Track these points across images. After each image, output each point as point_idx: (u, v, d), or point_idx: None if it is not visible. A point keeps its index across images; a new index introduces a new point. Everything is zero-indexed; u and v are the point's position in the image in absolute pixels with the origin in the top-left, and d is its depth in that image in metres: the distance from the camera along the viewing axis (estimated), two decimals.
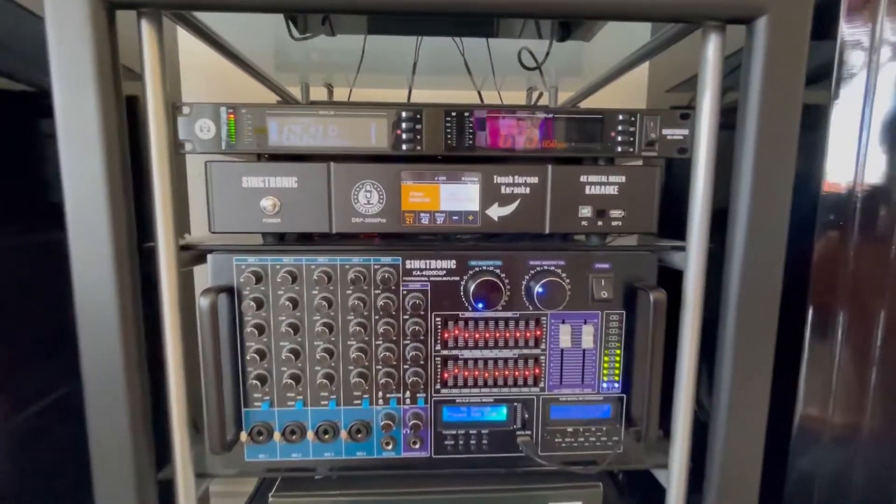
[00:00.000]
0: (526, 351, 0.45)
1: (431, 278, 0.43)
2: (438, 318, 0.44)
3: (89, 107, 0.36)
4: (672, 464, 0.44)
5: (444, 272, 0.43)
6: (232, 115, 0.41)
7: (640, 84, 0.84)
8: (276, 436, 0.44)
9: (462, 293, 0.44)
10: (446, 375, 0.45)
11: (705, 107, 0.39)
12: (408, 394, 0.45)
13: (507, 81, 0.80)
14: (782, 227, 0.39)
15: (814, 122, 0.41)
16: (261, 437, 0.44)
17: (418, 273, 0.43)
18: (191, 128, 0.41)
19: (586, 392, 0.46)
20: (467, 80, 0.72)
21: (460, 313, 0.44)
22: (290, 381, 0.43)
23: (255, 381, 0.43)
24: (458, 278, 0.44)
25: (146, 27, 0.38)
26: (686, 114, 0.42)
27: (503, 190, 0.42)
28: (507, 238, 0.46)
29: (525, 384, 0.45)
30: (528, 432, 0.46)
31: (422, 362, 0.44)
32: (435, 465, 0.46)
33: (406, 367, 0.45)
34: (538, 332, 0.45)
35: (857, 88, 0.41)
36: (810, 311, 0.44)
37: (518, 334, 0.45)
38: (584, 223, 0.43)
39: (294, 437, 0.44)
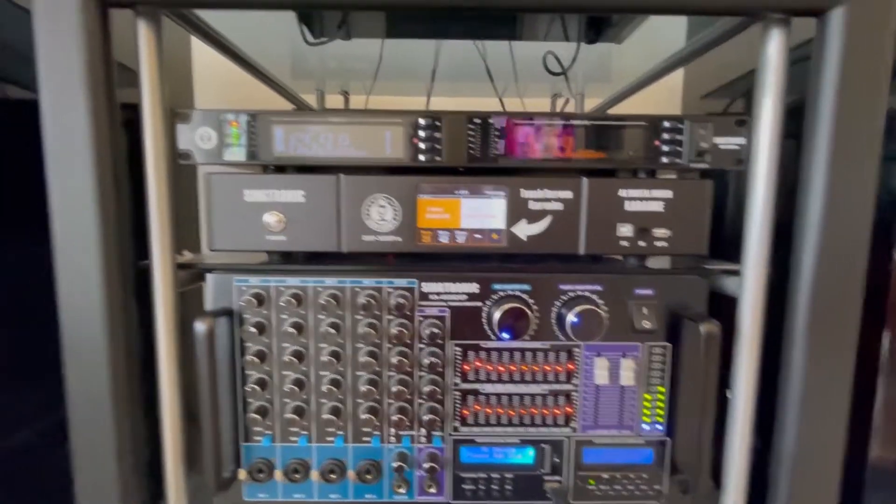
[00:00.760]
0: (556, 386, 0.40)
1: (450, 303, 0.39)
2: (458, 348, 0.39)
3: (79, 111, 0.33)
4: None
5: (465, 297, 0.39)
6: (234, 123, 0.37)
7: (672, 89, 0.79)
8: (278, 474, 0.40)
9: (485, 320, 0.39)
10: (466, 412, 0.40)
11: (766, 112, 0.34)
12: (423, 431, 0.40)
13: (530, 88, 0.76)
14: (861, 250, 0.33)
15: None
16: (261, 475, 0.40)
17: (436, 297, 0.39)
18: (191, 136, 0.37)
19: (625, 434, 0.41)
20: (488, 86, 0.68)
21: (482, 342, 0.39)
22: (293, 414, 0.39)
23: (255, 415, 0.39)
24: (480, 304, 0.39)
25: (143, 27, 0.34)
26: (742, 120, 0.37)
27: (532, 206, 0.38)
28: (535, 259, 0.42)
29: (555, 424, 0.40)
30: (558, 478, 0.41)
31: (439, 397, 0.40)
32: None
33: (421, 401, 0.40)
34: (570, 366, 0.40)
35: None
36: (887, 345, 0.38)
37: (548, 367, 0.40)
38: (623, 243, 0.38)
39: (297, 475, 0.40)
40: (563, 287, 0.39)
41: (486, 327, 0.39)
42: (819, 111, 0.33)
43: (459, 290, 0.39)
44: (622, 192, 0.38)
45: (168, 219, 0.37)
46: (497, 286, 0.39)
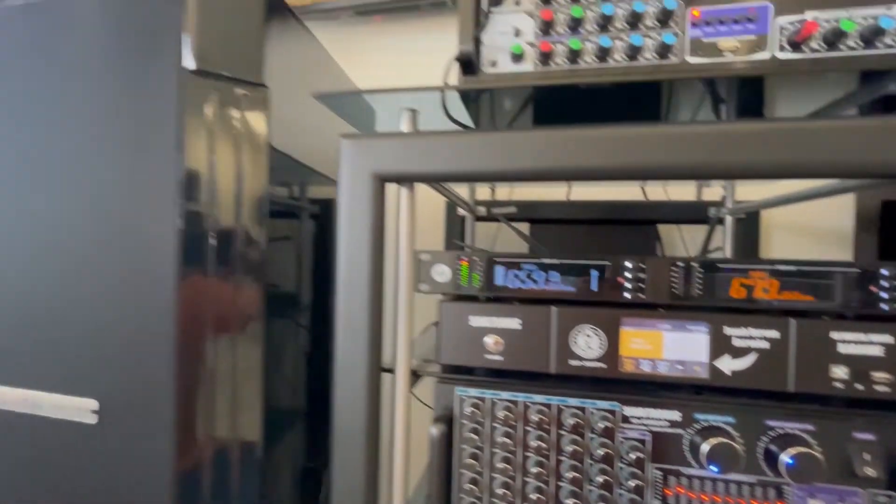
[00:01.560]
0: None
1: (652, 428, 0.42)
2: (658, 472, 0.42)
3: (364, 247, 0.44)
4: None
5: (667, 423, 0.42)
6: (464, 262, 0.46)
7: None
8: None
9: (686, 448, 0.41)
10: None
11: None
12: None
13: None
14: None
15: None
16: None
17: (637, 421, 0.42)
18: (429, 271, 0.47)
19: None
20: None
21: (683, 469, 0.41)
22: None
23: None
24: (681, 431, 0.41)
25: (404, 193, 0.45)
26: None
27: (736, 342, 0.40)
28: (740, 392, 0.43)
29: None
30: None
31: None
32: None
33: None
34: (779, 503, 0.40)
35: None
36: None
37: (754, 502, 0.40)
38: (837, 384, 0.39)
39: None
40: (771, 423, 0.40)
41: (687, 455, 0.41)
42: None
43: (661, 417, 0.42)
44: (834, 335, 0.39)
45: (408, 334, 0.46)
46: (699, 416, 0.41)
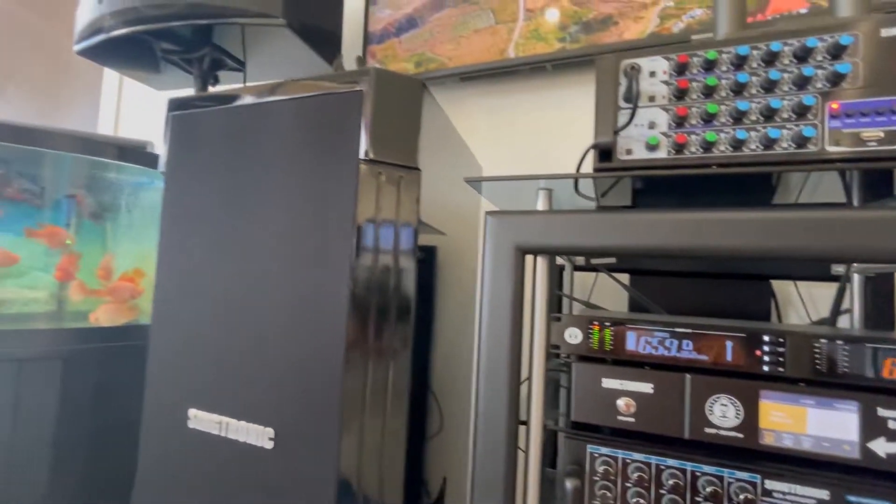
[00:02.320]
0: None
1: None
2: None
3: (505, 313, 0.49)
4: None
5: (815, 502, 0.41)
6: (596, 326, 0.50)
7: None
8: None
9: None
10: None
11: None
12: None
13: None
14: None
15: None
16: None
17: (780, 496, 0.42)
18: (561, 334, 0.51)
19: None
20: None
21: None
22: None
23: None
24: None
25: (541, 263, 0.51)
26: None
27: (892, 425, 0.40)
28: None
29: None
30: None
31: None
32: None
33: None
34: None
35: None
36: None
37: None
38: None
39: None
40: None
41: None
42: None
43: (807, 495, 0.42)
44: None
45: (541, 391, 0.50)
46: (852, 497, 0.40)
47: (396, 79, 0.55)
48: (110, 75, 1.67)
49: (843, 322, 0.71)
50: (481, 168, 0.99)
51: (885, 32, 0.39)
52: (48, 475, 1.14)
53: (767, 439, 0.43)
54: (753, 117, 0.43)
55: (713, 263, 0.88)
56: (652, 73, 0.46)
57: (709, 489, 0.44)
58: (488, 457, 0.49)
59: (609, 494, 0.47)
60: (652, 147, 0.46)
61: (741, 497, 0.43)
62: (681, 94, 0.45)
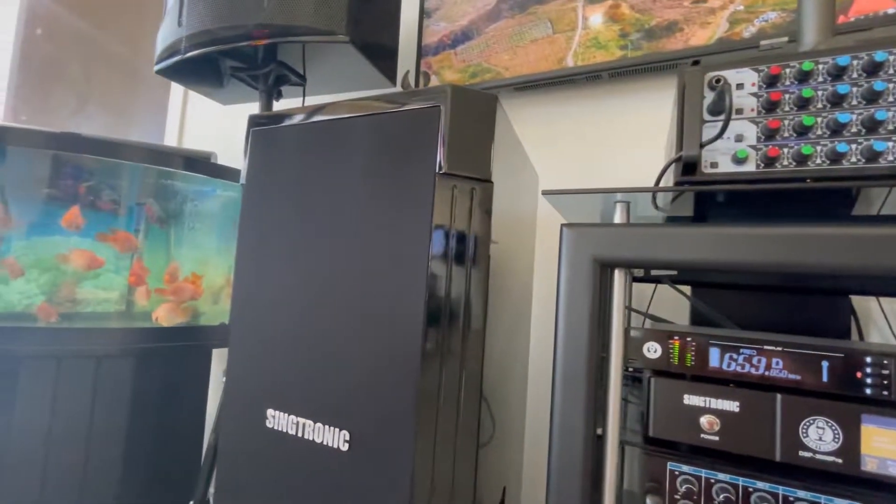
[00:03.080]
0: None
1: None
2: None
3: (584, 326, 0.49)
4: None
5: None
6: (676, 341, 0.49)
7: None
8: None
9: None
10: None
11: None
12: None
13: None
14: None
15: None
16: None
17: None
18: (639, 348, 0.51)
19: None
20: None
21: None
22: None
23: None
24: None
25: (618, 275, 0.51)
26: None
27: None
28: None
29: None
30: None
31: None
32: None
33: None
34: None
35: None
36: None
37: None
38: None
39: None
40: None
41: None
42: None
43: None
44: None
45: (617, 405, 0.50)
46: None
47: (472, 95, 0.56)
48: (176, 92, 1.79)
49: None
50: (537, 176, 0.99)
51: None
52: (121, 470, 1.22)
53: (870, 466, 0.41)
54: (854, 129, 0.41)
55: (784, 277, 0.84)
56: (739, 86, 0.45)
57: None
58: (565, 471, 0.49)
59: None
60: (740, 160, 0.45)
61: None
62: (772, 107, 0.44)
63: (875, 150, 0.40)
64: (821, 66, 0.42)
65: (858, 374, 0.42)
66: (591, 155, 1.02)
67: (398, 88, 1.18)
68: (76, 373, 1.18)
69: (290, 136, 0.68)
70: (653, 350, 0.50)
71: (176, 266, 1.37)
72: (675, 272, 0.94)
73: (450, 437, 0.56)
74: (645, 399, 0.50)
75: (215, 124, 1.74)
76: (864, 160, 0.41)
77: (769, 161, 0.44)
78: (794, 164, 0.43)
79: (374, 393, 0.57)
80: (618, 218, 0.52)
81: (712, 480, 0.46)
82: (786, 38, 0.53)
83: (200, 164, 1.38)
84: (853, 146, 0.41)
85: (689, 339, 0.49)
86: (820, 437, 0.43)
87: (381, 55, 1.06)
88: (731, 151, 0.45)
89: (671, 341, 0.49)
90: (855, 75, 0.41)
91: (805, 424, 0.43)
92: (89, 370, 1.20)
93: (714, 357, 0.48)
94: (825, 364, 0.43)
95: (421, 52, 1.13)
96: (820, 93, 0.42)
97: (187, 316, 1.35)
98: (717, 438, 0.46)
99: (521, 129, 1.11)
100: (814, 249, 0.40)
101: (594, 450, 0.49)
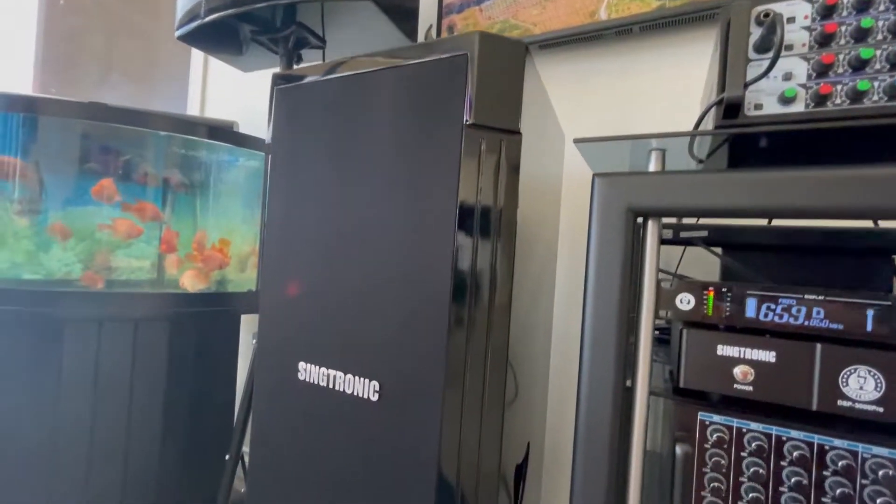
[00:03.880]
0: None
1: None
2: None
3: (615, 278, 0.49)
4: None
5: None
6: (711, 292, 0.48)
7: None
8: None
9: None
10: None
11: None
12: None
13: None
14: None
15: None
16: None
17: None
18: (671, 299, 0.50)
19: None
20: None
21: None
22: None
23: None
24: None
25: (651, 225, 0.50)
26: None
27: None
28: None
29: None
30: None
31: None
32: None
33: None
34: None
35: None
36: None
37: None
38: None
39: None
40: None
41: None
42: None
43: None
44: None
45: (648, 357, 0.50)
46: None
47: (500, 42, 0.54)
48: (196, 62, 1.79)
49: None
50: (564, 136, 0.97)
51: None
52: (161, 428, 1.29)
53: None
54: None
55: (823, 236, 0.81)
56: (790, 20, 0.42)
57: (841, 463, 0.42)
58: (594, 423, 0.49)
59: (722, 462, 0.46)
60: (787, 100, 0.42)
61: (880, 473, 0.41)
62: (826, 40, 0.41)
63: None
64: None
65: None
66: (622, 114, 0.99)
67: None
68: (117, 336, 1.23)
69: (314, 93, 0.67)
70: (686, 301, 0.49)
71: (203, 234, 1.40)
72: (705, 233, 0.92)
73: (477, 389, 0.57)
74: (676, 351, 0.50)
75: (236, 93, 1.74)
76: None
77: (820, 99, 0.41)
78: (848, 101, 0.41)
79: (405, 345, 0.58)
80: (652, 167, 0.50)
81: (744, 430, 0.46)
82: None
83: (224, 132, 1.39)
84: None
85: (724, 289, 0.47)
86: (861, 386, 0.42)
87: (402, 14, 1.03)
88: (778, 91, 0.43)
89: (706, 292, 0.48)
90: None
91: (846, 374, 0.42)
92: (128, 333, 1.25)
93: (751, 307, 0.46)
94: (870, 313, 0.42)
95: (443, 11, 1.09)
96: (881, 22, 0.39)
97: (208, 282, 1.39)
98: (750, 388, 0.46)
99: (549, 89, 1.08)
100: (868, 192, 0.38)
101: (623, 401, 0.49)
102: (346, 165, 0.63)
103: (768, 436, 0.45)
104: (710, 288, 0.48)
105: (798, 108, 0.42)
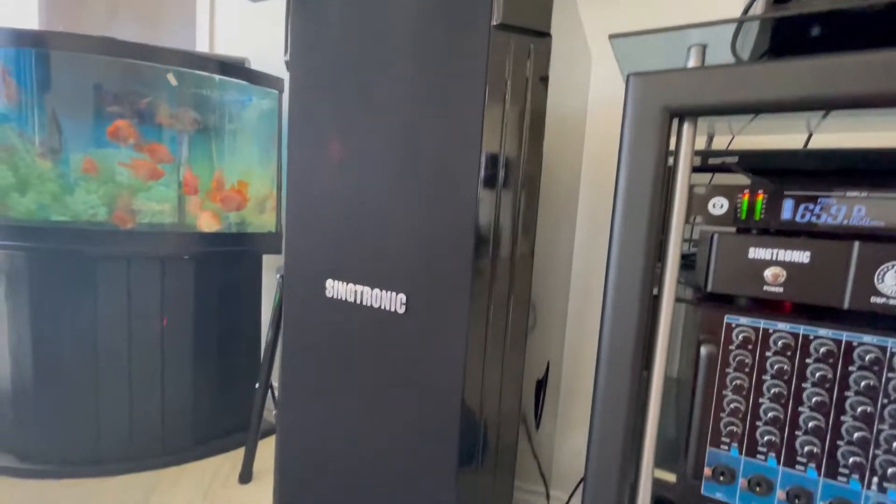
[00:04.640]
0: None
1: None
2: None
3: (647, 180, 0.47)
4: None
5: None
6: (746, 195, 0.47)
7: None
8: (742, 482, 0.48)
9: None
10: None
11: None
12: None
13: None
14: None
15: None
16: (722, 478, 0.49)
17: None
18: (703, 205, 0.49)
19: None
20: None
21: None
22: (763, 446, 0.46)
23: (726, 430, 0.48)
24: None
25: (687, 126, 0.48)
26: None
27: None
28: None
29: None
30: None
31: None
32: None
33: None
34: None
35: None
36: None
37: None
38: None
39: (759, 489, 0.47)
40: None
41: None
42: None
43: None
44: None
45: (676, 263, 0.49)
46: None
47: None
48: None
49: None
50: (589, 50, 0.92)
51: None
52: (192, 361, 1.36)
53: None
54: None
55: (862, 161, 0.77)
56: None
57: (869, 357, 0.42)
58: (619, 330, 0.50)
59: (747, 361, 0.47)
60: None
61: None
62: None
63: None
64: None
65: None
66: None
67: None
68: (145, 273, 1.27)
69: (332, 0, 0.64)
70: (719, 206, 0.48)
71: (220, 174, 1.41)
72: (735, 158, 0.89)
73: (503, 306, 0.58)
74: (706, 256, 0.50)
75: (244, 30, 1.68)
76: None
77: None
78: None
79: (431, 259, 0.58)
80: (692, 63, 0.48)
81: (770, 330, 0.46)
82: None
83: (236, 68, 1.36)
84: None
85: (760, 190, 0.46)
86: None
87: None
88: None
89: (740, 195, 0.47)
90: None
91: (882, 270, 0.42)
92: (156, 271, 1.29)
93: (787, 209, 0.45)
94: None
95: None
96: None
97: (221, 223, 1.40)
98: (780, 290, 0.46)
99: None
100: None
101: (650, 308, 0.49)
102: (368, 77, 0.62)
103: (795, 335, 0.45)
104: (746, 190, 0.47)
105: None
